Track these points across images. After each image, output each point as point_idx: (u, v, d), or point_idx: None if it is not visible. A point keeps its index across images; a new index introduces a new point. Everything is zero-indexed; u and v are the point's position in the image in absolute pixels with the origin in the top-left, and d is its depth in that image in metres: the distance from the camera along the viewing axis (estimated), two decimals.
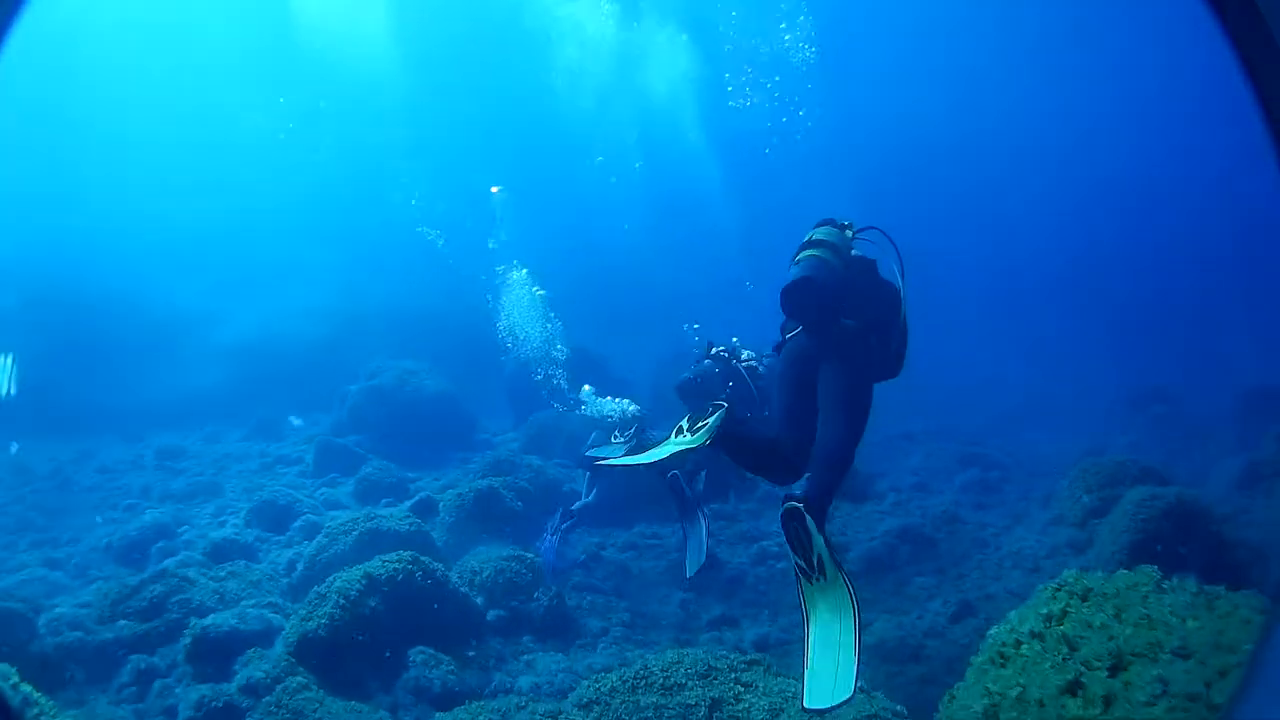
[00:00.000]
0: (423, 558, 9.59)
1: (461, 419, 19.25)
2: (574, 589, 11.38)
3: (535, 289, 18.25)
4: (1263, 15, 2.40)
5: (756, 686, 7.35)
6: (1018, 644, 5.67)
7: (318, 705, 7.97)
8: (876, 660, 9.87)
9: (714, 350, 12.29)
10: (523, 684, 8.89)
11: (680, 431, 6.61)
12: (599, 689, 7.44)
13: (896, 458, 17.95)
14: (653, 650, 9.69)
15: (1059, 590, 5.94)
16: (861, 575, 11.93)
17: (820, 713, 5.67)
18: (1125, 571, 5.88)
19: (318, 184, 39.14)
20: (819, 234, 7.22)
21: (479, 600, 10.19)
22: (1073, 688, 5.01)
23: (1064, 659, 5.23)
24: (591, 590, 11.48)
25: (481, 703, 7.87)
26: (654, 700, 7.15)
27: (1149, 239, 42.75)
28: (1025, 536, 13.15)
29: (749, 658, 7.84)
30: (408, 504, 13.79)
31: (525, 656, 9.51)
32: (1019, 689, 5.27)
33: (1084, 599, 5.72)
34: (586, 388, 14.64)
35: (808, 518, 5.88)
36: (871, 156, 39.46)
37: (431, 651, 8.95)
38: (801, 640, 5.97)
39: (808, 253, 7.05)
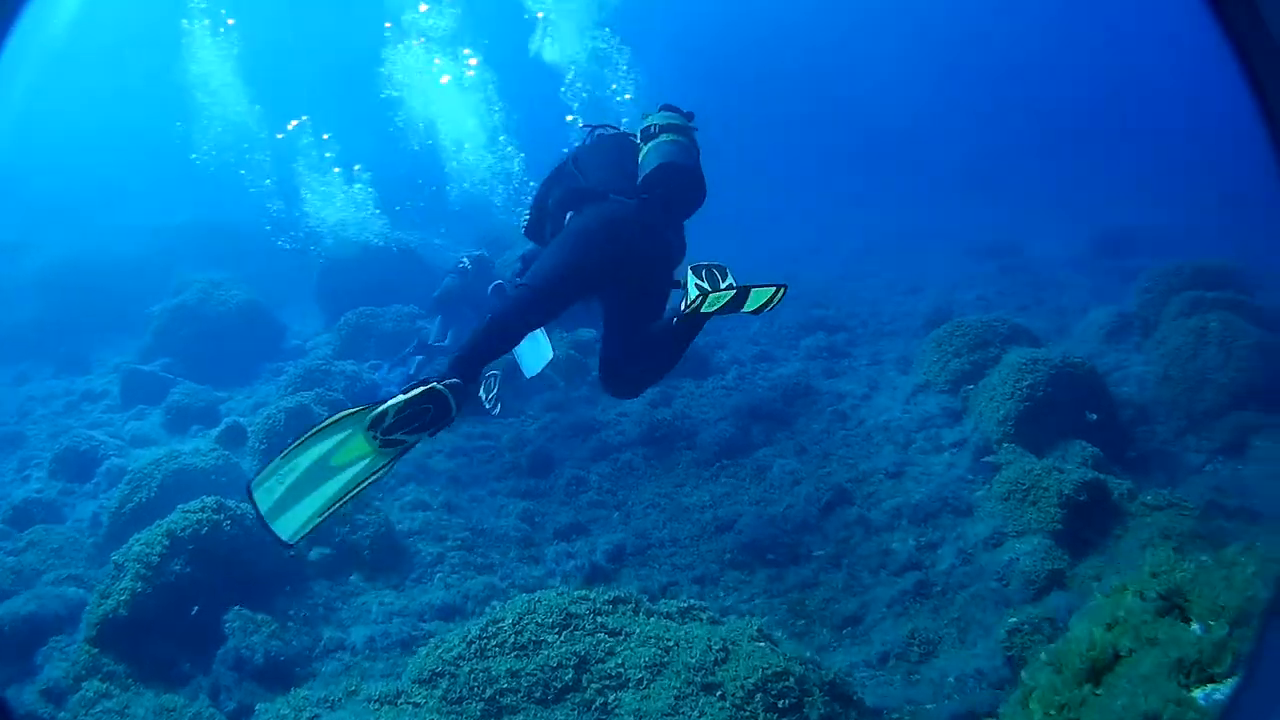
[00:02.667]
0: (229, 502, 8.43)
1: (272, 327, 18.02)
2: (403, 508, 10.19)
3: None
4: (1263, 16, 2.37)
5: (627, 633, 6.44)
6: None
7: (118, 717, 6.79)
8: (752, 564, 9.24)
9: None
10: (356, 638, 7.86)
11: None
12: (442, 656, 6.39)
13: (735, 327, 16.84)
14: (498, 574, 8.96)
15: None
16: (714, 463, 11.26)
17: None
18: None
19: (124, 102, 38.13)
20: (673, 120, 7.00)
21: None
22: None
23: None
24: (422, 508, 10.26)
25: (307, 691, 6.62)
26: (508, 666, 6.20)
27: (991, 92, 42.88)
28: (890, 406, 12.32)
29: (610, 595, 6.86)
30: (215, 432, 12.83)
31: (357, 599, 8.50)
32: None
33: None
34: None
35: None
36: None
37: (249, 614, 7.77)
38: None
39: (683, 137, 6.82)
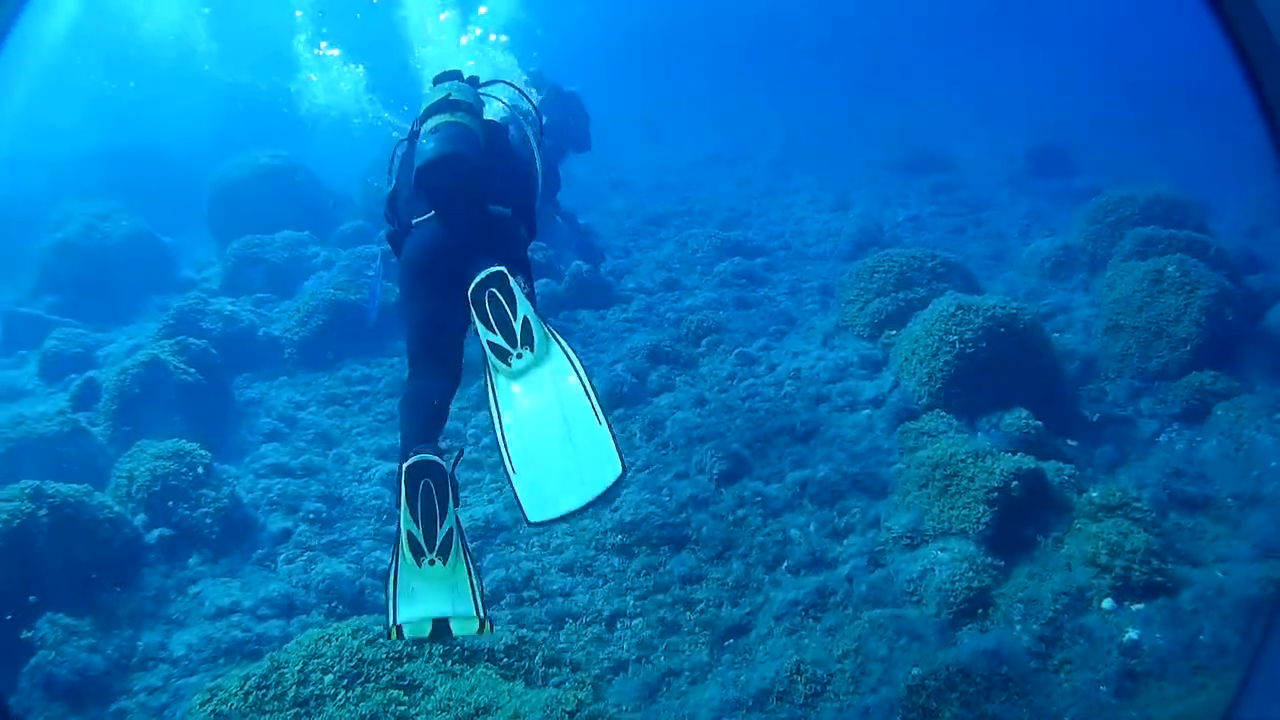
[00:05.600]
0: (48, 487, 7.47)
1: (163, 259, 16.55)
2: (259, 473, 9.34)
3: None
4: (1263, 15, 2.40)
5: (427, 690, 5.70)
6: None
7: None
8: (631, 548, 8.13)
9: None
10: (177, 646, 7.07)
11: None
12: (217, 710, 5.63)
13: (645, 249, 15.58)
14: (347, 556, 8.16)
15: None
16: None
17: (574, 513, 5.08)
18: None
19: None
20: (451, 92, 6.12)
21: (138, 520, 8.16)
22: None
23: None
24: (280, 473, 9.35)
25: None
26: None
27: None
28: (804, 350, 10.94)
29: (414, 636, 5.73)
30: (67, 392, 11.23)
31: (194, 588, 7.69)
32: None
33: None
34: None
35: (512, 279, 5.15)
36: None
37: (65, 619, 6.93)
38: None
39: (444, 118, 5.93)
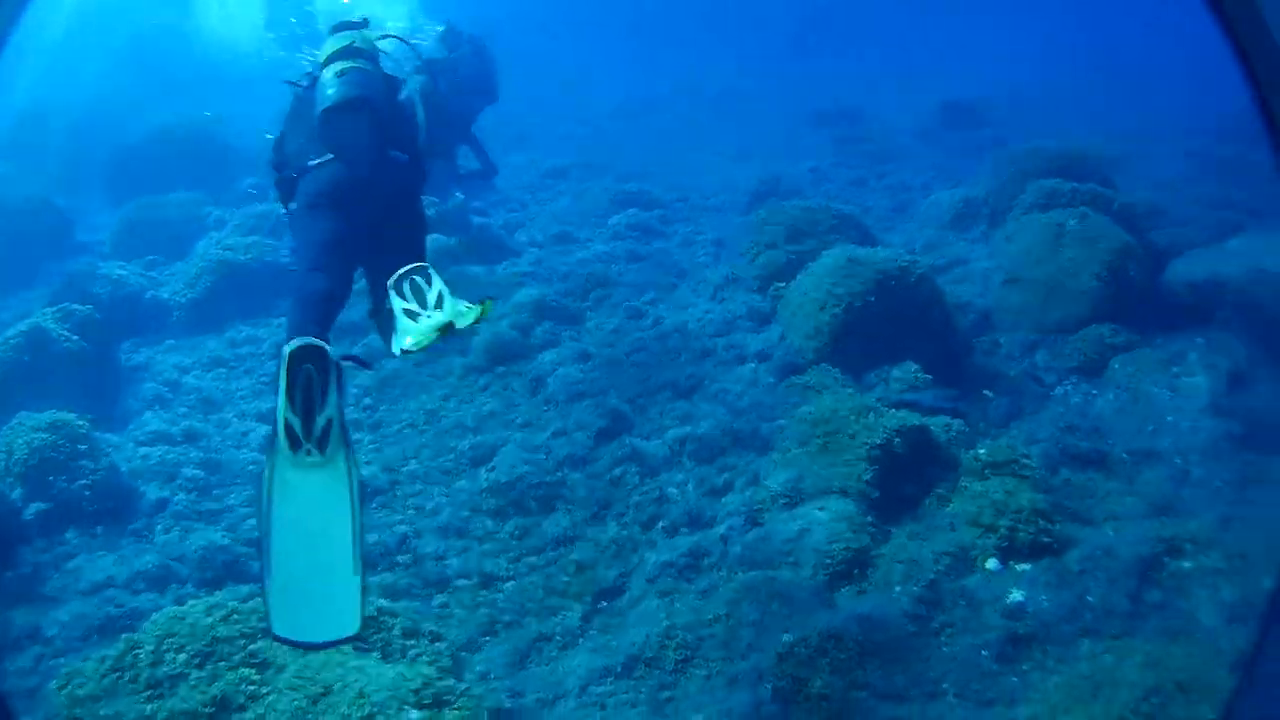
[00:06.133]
0: None
1: (60, 224, 15.77)
2: (139, 441, 9.00)
3: None
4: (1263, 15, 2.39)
5: (278, 667, 5.50)
6: None
7: None
8: (506, 510, 7.82)
9: None
10: (49, 626, 6.83)
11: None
12: (74, 693, 5.43)
13: (542, 202, 15.17)
14: (223, 524, 7.87)
15: None
16: (486, 369, 9.74)
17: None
18: None
19: None
20: (354, 40, 6.05)
21: (16, 494, 8.00)
22: None
23: None
24: (162, 440, 9.01)
25: None
26: (138, 712, 5.26)
27: None
28: (693, 303, 10.67)
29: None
30: None
31: (70, 563, 7.44)
32: None
33: None
34: None
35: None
36: None
37: None
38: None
39: (348, 64, 5.85)
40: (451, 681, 5.52)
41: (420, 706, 4.92)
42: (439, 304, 5.10)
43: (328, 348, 4.61)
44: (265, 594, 4.49)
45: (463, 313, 5.08)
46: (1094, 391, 8.57)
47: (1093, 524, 6.72)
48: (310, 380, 4.56)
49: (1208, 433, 7.67)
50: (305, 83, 6.33)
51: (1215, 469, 7.39)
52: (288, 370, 4.52)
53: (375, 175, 5.85)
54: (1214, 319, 8.97)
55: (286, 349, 4.57)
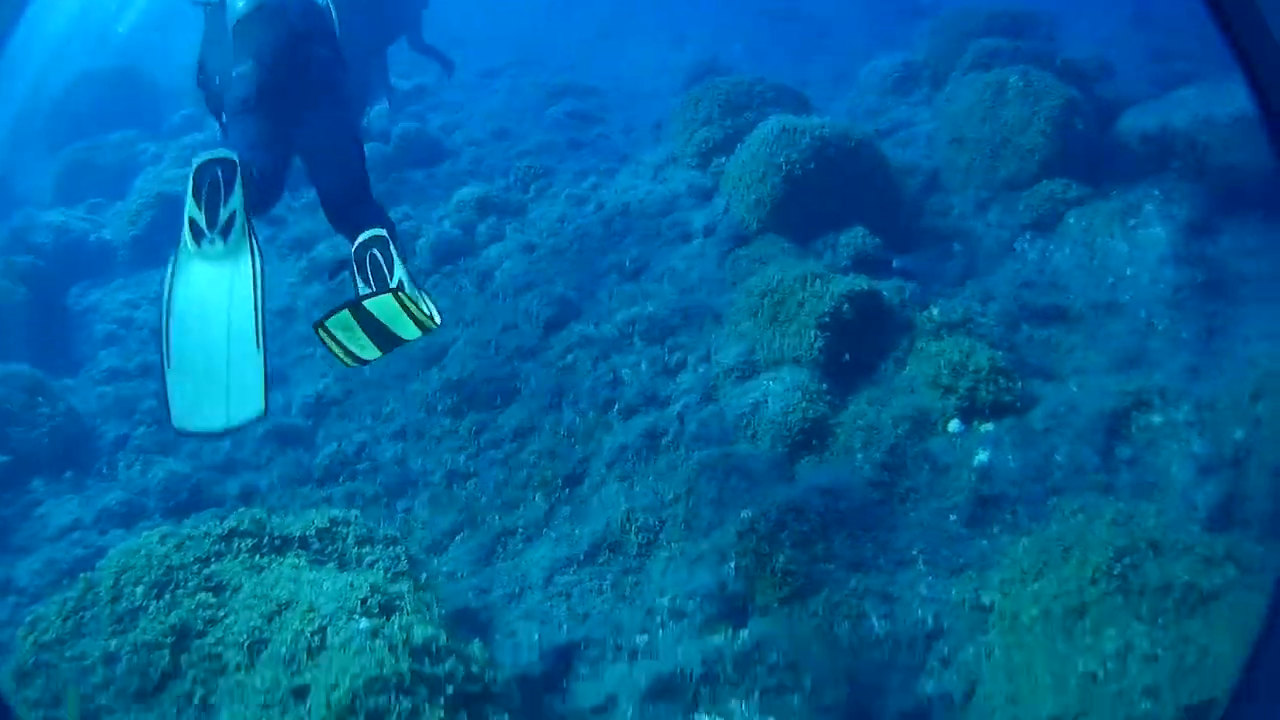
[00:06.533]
0: None
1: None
2: (96, 380, 9.08)
3: None
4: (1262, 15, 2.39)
5: (235, 589, 5.46)
6: None
7: None
8: (461, 407, 7.83)
9: None
10: (21, 575, 6.98)
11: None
12: (39, 640, 5.37)
13: (477, 100, 14.67)
14: (184, 453, 7.97)
15: None
16: (435, 270, 9.64)
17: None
18: None
19: None
20: None
21: None
22: None
23: None
24: (118, 377, 9.07)
25: None
26: (103, 648, 5.18)
27: None
28: (634, 185, 10.32)
29: (225, 528, 5.76)
30: None
31: (37, 510, 7.54)
32: None
33: None
34: None
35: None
36: None
37: None
38: None
39: None
40: (402, 586, 5.38)
41: (368, 615, 4.78)
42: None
43: (234, 156, 4.69)
44: (164, 388, 4.56)
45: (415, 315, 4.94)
46: (1050, 247, 8.35)
47: (1058, 379, 6.58)
48: (216, 180, 4.67)
49: (1168, 283, 7.47)
50: (214, 1, 6.19)
51: (1179, 320, 7.20)
52: (195, 173, 4.62)
53: (294, 71, 5.72)
54: (1169, 169, 8.69)
55: (195, 160, 4.68)
